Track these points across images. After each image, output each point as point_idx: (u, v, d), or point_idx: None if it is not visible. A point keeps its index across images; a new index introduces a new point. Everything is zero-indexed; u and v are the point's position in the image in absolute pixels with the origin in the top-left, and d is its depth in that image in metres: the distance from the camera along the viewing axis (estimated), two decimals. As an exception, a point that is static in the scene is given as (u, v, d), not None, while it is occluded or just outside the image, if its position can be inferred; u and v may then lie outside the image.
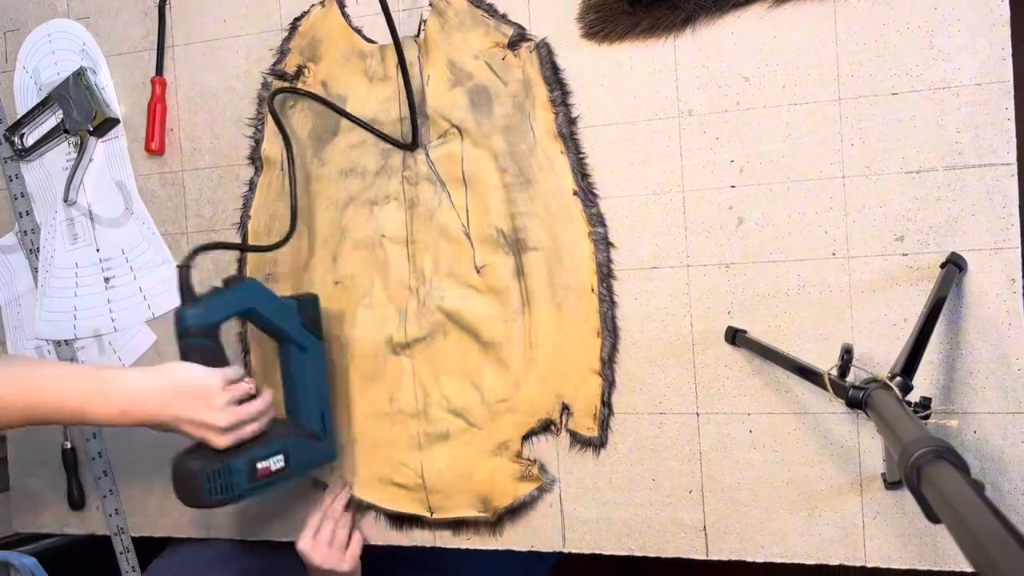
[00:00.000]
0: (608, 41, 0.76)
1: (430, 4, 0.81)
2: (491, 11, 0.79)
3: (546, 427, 0.79)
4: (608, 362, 0.76)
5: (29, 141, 0.93)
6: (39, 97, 0.93)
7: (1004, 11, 0.66)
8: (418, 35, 0.81)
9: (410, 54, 0.81)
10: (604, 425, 0.77)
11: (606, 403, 0.77)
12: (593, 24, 0.76)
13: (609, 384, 0.76)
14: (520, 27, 0.78)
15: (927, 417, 0.51)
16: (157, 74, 0.90)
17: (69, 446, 0.88)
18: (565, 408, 0.78)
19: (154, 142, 0.89)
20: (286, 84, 0.85)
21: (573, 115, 0.77)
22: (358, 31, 0.83)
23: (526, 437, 0.79)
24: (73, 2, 0.94)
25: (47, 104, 0.92)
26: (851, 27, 0.70)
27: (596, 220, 0.76)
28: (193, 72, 0.90)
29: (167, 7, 0.90)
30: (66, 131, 0.91)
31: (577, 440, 0.78)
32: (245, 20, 0.87)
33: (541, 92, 0.77)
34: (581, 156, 0.77)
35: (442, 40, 0.80)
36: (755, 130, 0.72)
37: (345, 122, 0.83)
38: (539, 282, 0.78)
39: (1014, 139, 0.66)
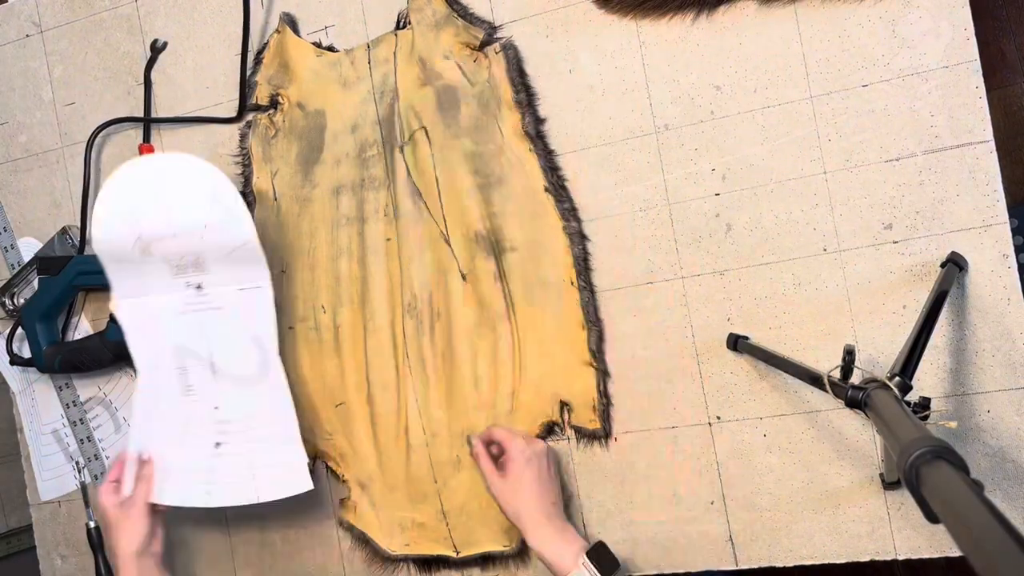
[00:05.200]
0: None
1: (408, 1, 0.82)
2: (464, 12, 0.80)
3: (550, 430, 0.79)
4: (598, 352, 0.76)
5: (20, 300, 0.96)
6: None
7: (962, -8, 0.66)
8: (397, 28, 0.83)
9: (387, 50, 0.83)
10: (605, 416, 0.77)
11: (603, 393, 0.77)
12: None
13: (603, 374, 0.77)
14: (491, 27, 0.79)
15: (926, 417, 0.51)
16: (144, 141, 0.92)
17: (93, 525, 0.88)
18: (564, 406, 0.78)
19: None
20: (263, 116, 0.87)
21: (541, 115, 0.78)
22: (317, 45, 0.85)
23: None
24: (58, 90, 0.97)
25: (34, 264, 0.94)
26: (813, 25, 0.70)
27: (569, 215, 0.77)
28: (179, 143, 0.92)
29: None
30: None
31: (583, 435, 0.78)
32: (224, 87, 0.89)
33: (507, 92, 0.78)
34: (550, 152, 0.78)
35: (417, 38, 0.81)
36: (732, 137, 0.73)
37: (327, 137, 0.85)
38: (520, 283, 0.78)
39: (988, 116, 0.66)
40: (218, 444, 0.79)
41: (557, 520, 0.72)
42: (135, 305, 0.81)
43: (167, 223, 0.76)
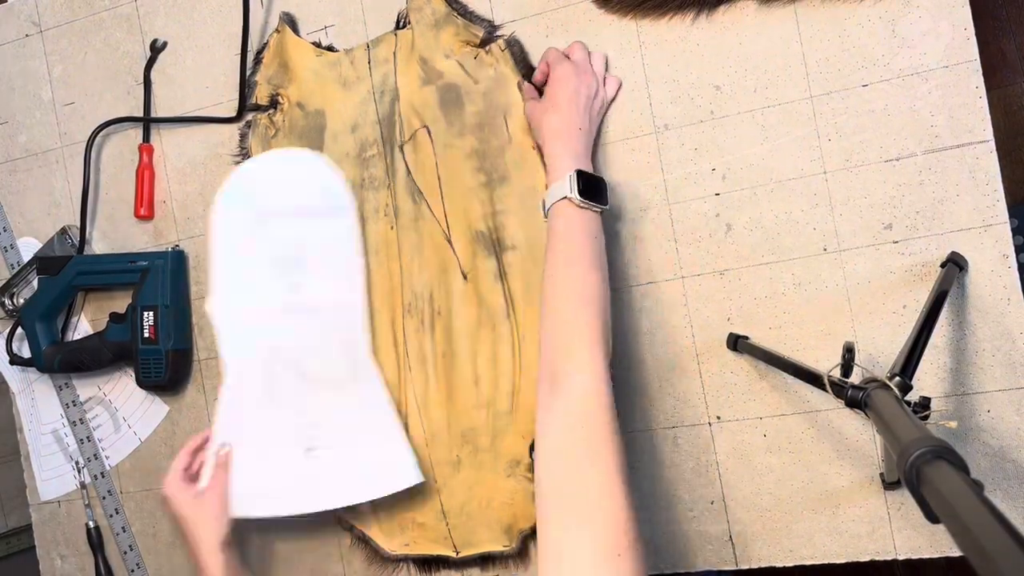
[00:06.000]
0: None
1: (407, 1, 0.82)
2: (464, 11, 0.80)
3: None
4: None
5: (19, 300, 0.96)
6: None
7: (962, -8, 0.66)
8: (397, 28, 0.83)
9: (387, 50, 0.82)
10: None
11: None
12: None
13: None
14: (491, 25, 0.79)
15: (926, 417, 0.51)
16: (144, 141, 0.92)
17: (93, 524, 0.89)
18: None
19: (143, 208, 0.91)
20: (263, 116, 0.87)
21: None
22: (317, 45, 0.85)
23: (533, 448, 0.79)
24: (58, 90, 0.97)
25: (33, 264, 0.94)
26: (813, 25, 0.70)
27: None
28: (180, 143, 0.92)
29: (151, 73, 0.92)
30: None
31: None
32: (224, 87, 0.89)
33: (515, 88, 0.78)
34: None
35: (416, 37, 0.81)
36: (732, 136, 0.73)
37: (327, 137, 0.85)
38: (520, 282, 0.78)
39: (988, 116, 0.66)
40: (309, 449, 0.78)
41: (577, 142, 0.70)
42: (233, 305, 0.81)
43: (278, 212, 0.80)
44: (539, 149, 0.77)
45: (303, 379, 0.79)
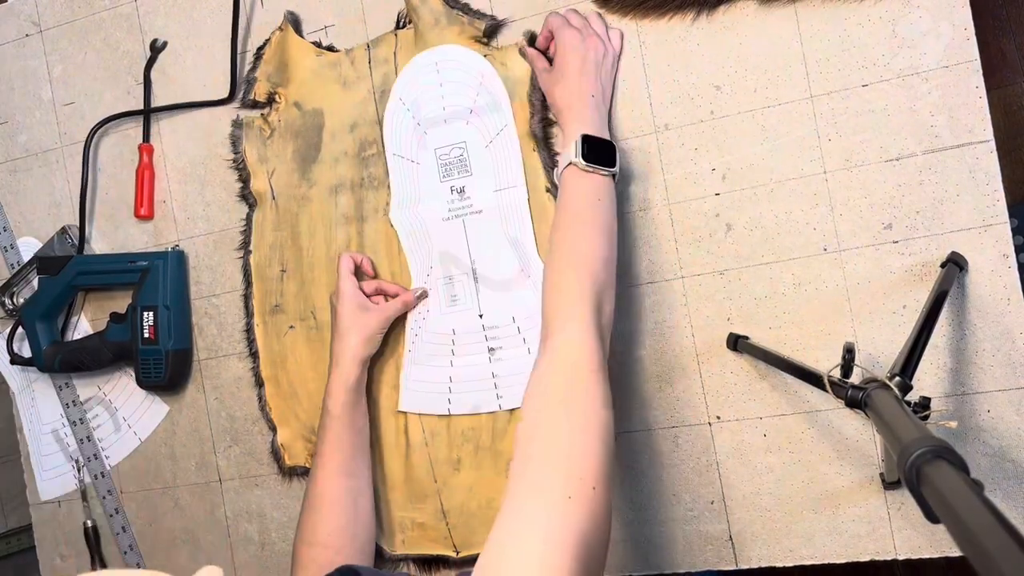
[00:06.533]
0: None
1: (406, 2, 0.82)
2: (466, 9, 0.80)
3: None
4: None
5: (19, 300, 0.96)
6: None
7: (962, -8, 0.66)
8: (397, 28, 0.83)
9: (387, 50, 0.82)
10: None
11: None
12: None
13: None
14: (492, 18, 0.79)
15: (926, 417, 0.51)
16: (144, 141, 0.92)
17: (91, 524, 0.88)
18: None
19: (143, 208, 0.91)
20: (257, 118, 0.87)
21: (551, 118, 0.77)
22: (317, 44, 0.85)
23: None
24: (58, 90, 0.97)
25: (33, 264, 0.95)
26: (813, 25, 0.70)
27: None
28: (179, 143, 0.92)
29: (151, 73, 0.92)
30: None
31: None
32: (223, 87, 0.89)
33: (521, 90, 0.78)
34: (554, 153, 0.77)
35: (418, 37, 0.81)
36: (732, 136, 0.73)
37: (325, 136, 0.85)
38: None
39: (988, 116, 0.66)
40: (491, 350, 0.79)
41: (587, 109, 0.71)
42: (409, 213, 0.82)
43: (440, 110, 0.80)
44: (544, 142, 0.77)
45: (476, 281, 0.80)
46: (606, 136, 0.70)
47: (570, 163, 0.67)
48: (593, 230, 0.65)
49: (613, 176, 0.68)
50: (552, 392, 0.55)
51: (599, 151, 0.68)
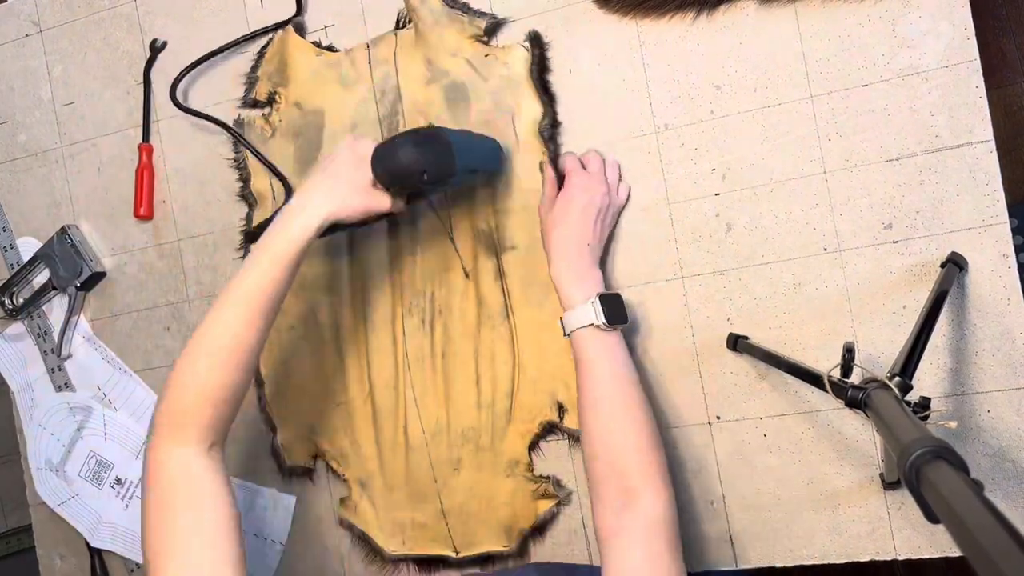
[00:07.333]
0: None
1: (405, 3, 0.82)
2: (465, 8, 0.80)
3: (548, 430, 0.78)
4: None
5: (19, 300, 0.96)
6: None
7: (962, -8, 0.66)
8: (397, 28, 0.83)
9: (387, 50, 0.82)
10: None
11: None
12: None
13: None
14: (492, 17, 0.79)
15: (926, 417, 0.51)
16: (144, 141, 0.92)
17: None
18: (560, 407, 0.78)
19: (142, 208, 0.91)
20: (259, 113, 0.87)
21: (558, 119, 0.78)
22: (317, 44, 0.85)
23: (532, 447, 0.79)
24: (57, 90, 0.97)
25: (34, 263, 0.95)
26: (813, 25, 0.70)
27: None
28: (179, 143, 0.92)
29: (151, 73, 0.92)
30: (54, 288, 0.94)
31: (576, 439, 0.77)
32: (224, 86, 0.89)
33: (528, 90, 0.78)
34: (557, 154, 0.77)
35: (419, 36, 0.81)
36: (732, 136, 0.73)
37: (326, 136, 0.84)
38: (519, 282, 0.78)
39: (988, 116, 0.66)
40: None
41: (585, 259, 0.71)
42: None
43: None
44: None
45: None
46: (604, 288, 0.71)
47: (591, 324, 0.67)
48: (635, 384, 0.68)
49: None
50: (663, 555, 0.61)
51: (612, 306, 0.68)
